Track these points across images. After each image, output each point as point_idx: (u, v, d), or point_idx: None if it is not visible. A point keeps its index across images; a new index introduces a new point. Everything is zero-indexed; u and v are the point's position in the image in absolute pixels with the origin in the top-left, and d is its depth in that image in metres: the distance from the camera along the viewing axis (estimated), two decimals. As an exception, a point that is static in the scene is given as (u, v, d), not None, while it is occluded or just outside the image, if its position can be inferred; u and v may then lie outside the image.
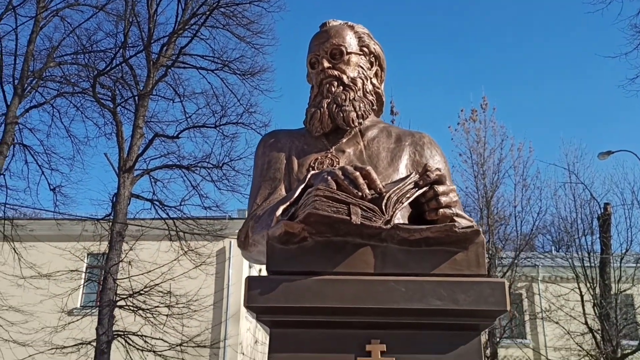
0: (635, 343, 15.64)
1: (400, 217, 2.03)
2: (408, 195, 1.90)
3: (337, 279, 1.81)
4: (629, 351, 15.47)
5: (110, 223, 13.65)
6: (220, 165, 14.97)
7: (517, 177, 17.48)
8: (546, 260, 21.03)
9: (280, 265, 1.85)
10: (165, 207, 14.63)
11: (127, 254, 13.79)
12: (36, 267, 14.09)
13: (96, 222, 14.04)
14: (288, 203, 2.00)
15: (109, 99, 14.94)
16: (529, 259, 19.27)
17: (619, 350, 15.31)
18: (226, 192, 15.39)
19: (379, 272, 1.83)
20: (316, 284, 1.79)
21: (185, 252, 14.38)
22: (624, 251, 16.60)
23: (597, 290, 15.90)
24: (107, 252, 13.56)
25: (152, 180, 14.91)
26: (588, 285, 16.06)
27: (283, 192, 2.31)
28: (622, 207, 17.24)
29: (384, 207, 1.84)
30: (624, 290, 16.09)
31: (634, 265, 16.81)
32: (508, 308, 1.78)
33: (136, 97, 14.79)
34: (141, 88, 14.80)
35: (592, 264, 16.30)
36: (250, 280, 1.82)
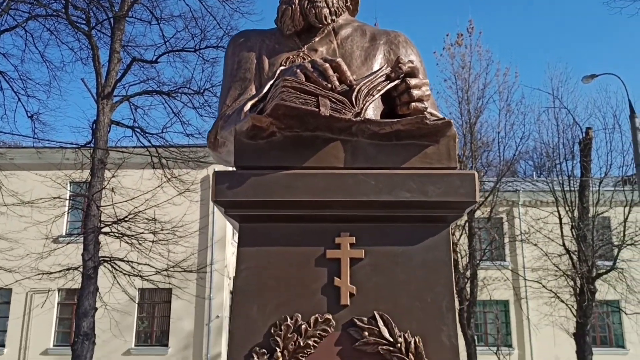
0: (610, 263, 16.11)
1: (373, 114, 1.99)
2: (379, 87, 1.85)
3: (307, 173, 1.78)
4: (603, 271, 15.98)
5: (92, 150, 13.49)
6: (202, 91, 14.67)
7: (502, 102, 17.40)
8: (527, 185, 21.34)
9: (248, 160, 1.82)
10: (147, 135, 14.41)
11: (109, 181, 13.72)
12: (18, 195, 14.00)
13: (77, 149, 13.87)
14: (257, 99, 1.94)
15: (84, 21, 14.39)
16: (510, 184, 19.47)
17: (594, 270, 15.79)
18: (208, 118, 15.15)
19: (349, 166, 1.81)
20: (285, 178, 1.77)
21: (169, 179, 14.31)
22: (603, 175, 16.83)
23: (576, 213, 16.22)
24: (89, 179, 13.47)
25: (132, 106, 14.62)
26: (567, 208, 16.35)
27: (253, 92, 2.25)
28: (603, 131, 17.32)
29: (354, 100, 1.79)
30: (601, 213, 16.41)
31: (612, 188, 17.09)
32: (477, 199, 1.77)
33: (111, 20, 14.26)
34: (116, 10, 14.26)
35: (572, 188, 16.54)
36: (217, 174, 1.79)
